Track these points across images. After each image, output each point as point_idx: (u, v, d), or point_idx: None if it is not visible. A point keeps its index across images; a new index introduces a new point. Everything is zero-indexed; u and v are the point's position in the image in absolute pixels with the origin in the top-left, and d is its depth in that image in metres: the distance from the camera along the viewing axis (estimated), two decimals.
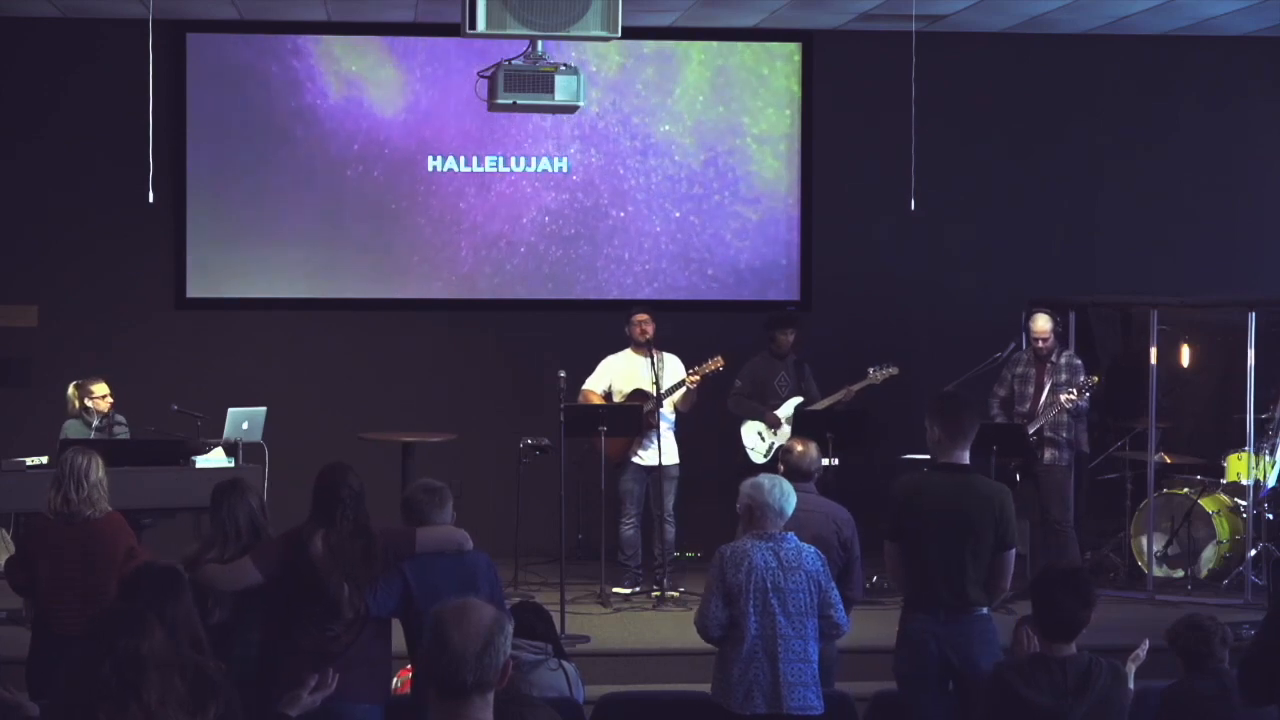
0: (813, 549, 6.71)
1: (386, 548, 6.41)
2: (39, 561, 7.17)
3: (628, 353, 10.88)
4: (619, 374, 10.85)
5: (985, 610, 6.61)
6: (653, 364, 10.68)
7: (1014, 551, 6.69)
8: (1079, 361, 10.92)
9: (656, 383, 10.65)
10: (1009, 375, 11.00)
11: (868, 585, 9.37)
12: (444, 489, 6.74)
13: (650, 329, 10.79)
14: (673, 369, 10.77)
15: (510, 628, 3.66)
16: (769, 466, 10.73)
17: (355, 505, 6.42)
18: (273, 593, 6.37)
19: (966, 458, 6.72)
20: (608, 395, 10.83)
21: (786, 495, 6.68)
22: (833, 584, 6.69)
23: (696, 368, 10.67)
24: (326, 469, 6.54)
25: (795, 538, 6.68)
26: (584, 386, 10.77)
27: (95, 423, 10.38)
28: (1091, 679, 5.51)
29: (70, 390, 10.44)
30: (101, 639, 4.49)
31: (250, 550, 6.53)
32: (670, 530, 10.76)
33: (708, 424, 11.18)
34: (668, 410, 10.73)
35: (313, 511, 6.47)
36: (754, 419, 11.08)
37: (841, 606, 6.72)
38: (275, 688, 5.76)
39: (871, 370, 10.97)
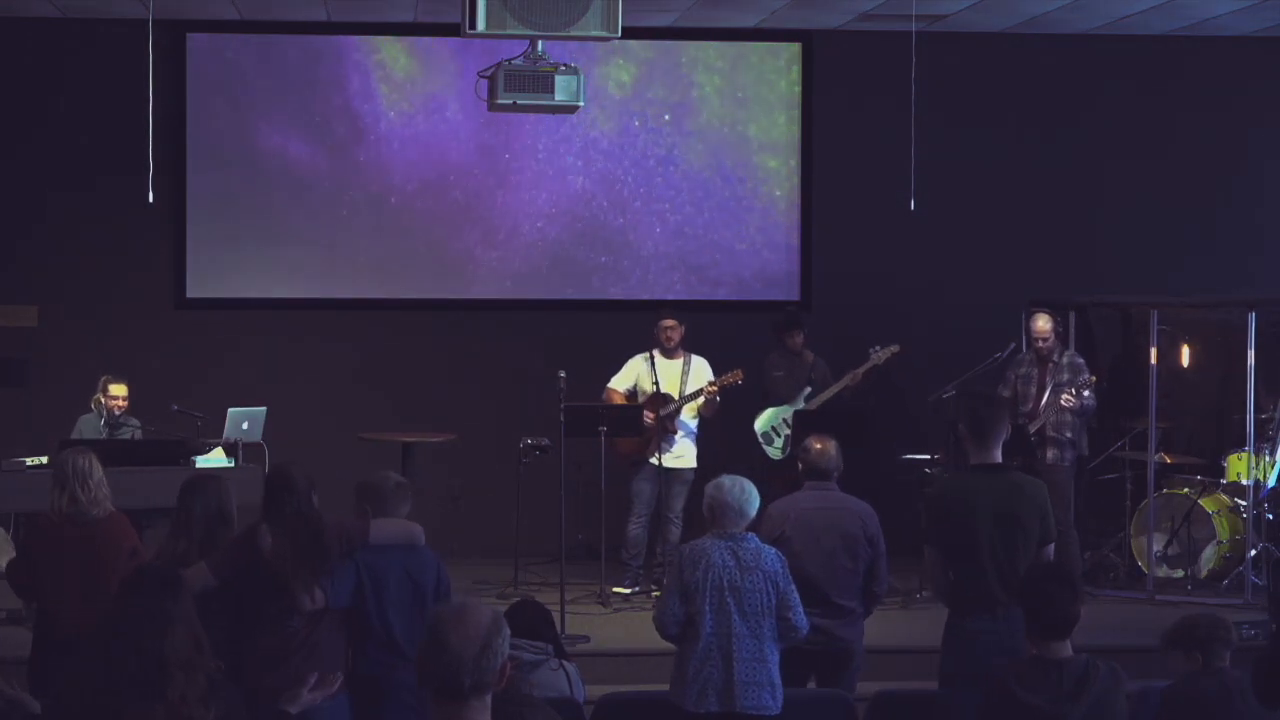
0: (773, 550, 6.71)
1: (340, 538, 6.45)
2: (43, 562, 7.17)
3: (655, 354, 10.91)
4: (645, 375, 10.88)
5: None
6: (653, 367, 10.74)
7: (1052, 545, 6.71)
8: (1081, 360, 10.91)
9: (656, 384, 10.70)
10: (1012, 376, 11.01)
11: None
12: (407, 485, 6.80)
13: (676, 335, 10.82)
14: (700, 373, 10.80)
15: (508, 630, 3.66)
16: (788, 461, 10.75)
17: (303, 500, 6.45)
18: (229, 594, 6.38)
19: (1000, 455, 6.72)
20: (631, 395, 10.87)
21: (748, 495, 6.69)
22: (792, 585, 6.67)
23: (716, 379, 10.71)
24: (276, 467, 6.62)
25: (756, 538, 6.68)
26: (609, 385, 10.84)
27: (103, 420, 10.39)
28: (1089, 681, 5.50)
29: (101, 381, 10.48)
30: (120, 639, 4.50)
31: (206, 551, 6.55)
32: (675, 531, 10.78)
33: (720, 426, 11.19)
34: (689, 416, 10.76)
35: (264, 510, 6.51)
36: (790, 402, 11.09)
37: (800, 609, 6.68)
38: (238, 686, 5.76)
39: (873, 351, 11.00)
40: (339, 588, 6.42)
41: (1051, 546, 6.70)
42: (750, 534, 6.68)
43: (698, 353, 10.92)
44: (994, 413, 6.79)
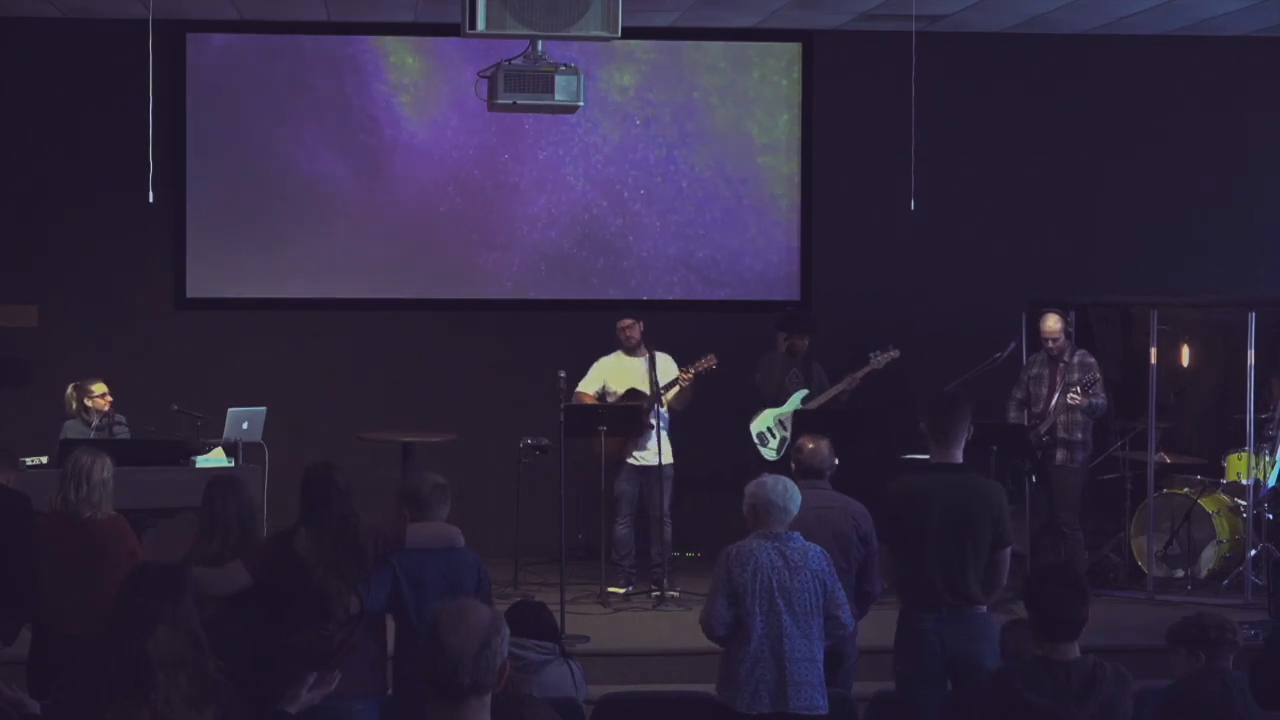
0: (818, 549, 6.71)
1: (377, 542, 6.44)
2: (41, 562, 7.16)
3: (618, 355, 10.91)
4: (612, 375, 10.89)
5: (984, 608, 6.64)
6: (651, 364, 10.72)
7: (1010, 550, 6.72)
8: (1092, 360, 10.90)
9: (655, 384, 10.67)
10: (1025, 377, 11.01)
11: None
12: (447, 486, 6.79)
13: (635, 333, 10.84)
14: (666, 368, 10.79)
15: (507, 630, 3.65)
16: (782, 463, 10.75)
17: (342, 503, 6.44)
18: (265, 594, 6.39)
19: (960, 456, 6.74)
20: (601, 396, 10.86)
21: (791, 494, 6.69)
22: (839, 584, 6.70)
23: (690, 366, 10.69)
24: (312, 468, 6.58)
25: (801, 537, 6.69)
26: (578, 389, 10.79)
27: (95, 423, 10.38)
28: (1096, 683, 5.49)
29: (69, 391, 10.43)
30: (108, 640, 4.51)
31: (240, 550, 6.55)
32: (668, 530, 10.77)
33: (705, 423, 11.19)
34: (663, 409, 10.76)
35: (301, 511, 6.50)
36: (777, 405, 11.08)
37: (848, 606, 6.73)
38: (271, 688, 5.77)
39: (872, 356, 11.00)
40: (375, 592, 6.43)
41: (1008, 550, 6.70)
42: (795, 533, 6.68)
43: (700, 354, 10.87)
44: (954, 413, 6.80)
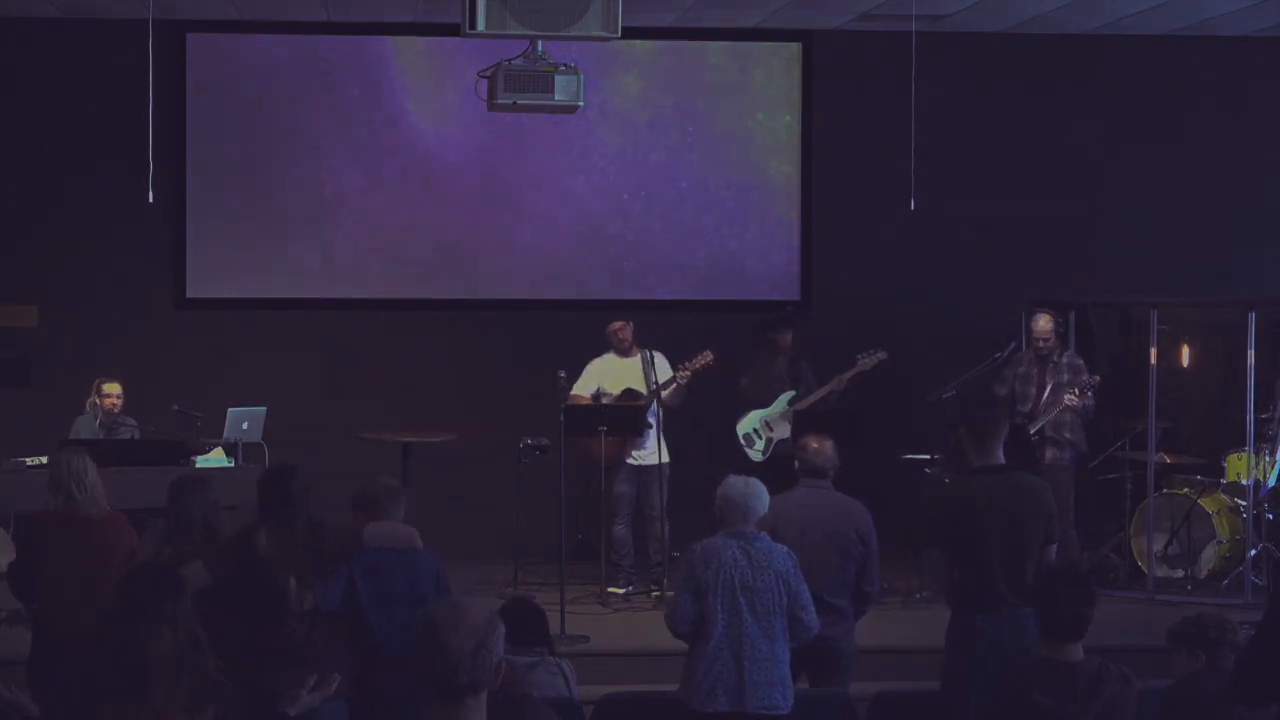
0: (785, 549, 6.71)
1: (335, 544, 6.47)
2: (41, 562, 7.18)
3: (610, 356, 10.92)
4: (606, 377, 10.90)
5: None
6: (652, 364, 10.72)
7: (1056, 545, 6.77)
8: (1081, 361, 10.95)
9: (657, 383, 10.67)
10: (1010, 375, 11.02)
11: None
12: (401, 488, 6.85)
13: (627, 334, 10.87)
14: (661, 366, 10.81)
15: (503, 628, 3.67)
16: (768, 463, 10.76)
17: (302, 503, 6.48)
18: (226, 593, 6.40)
19: (1002, 456, 6.79)
20: (596, 398, 10.87)
21: (756, 494, 6.71)
22: (803, 585, 6.68)
23: (687, 364, 10.70)
24: (272, 469, 6.67)
25: (768, 537, 6.70)
26: (572, 392, 10.74)
27: (99, 420, 10.42)
28: (1102, 684, 5.48)
29: (94, 384, 10.53)
30: (109, 641, 4.51)
31: (202, 550, 6.57)
32: (665, 529, 10.76)
33: (699, 423, 11.19)
34: (655, 407, 10.77)
35: (260, 510, 6.53)
36: (765, 406, 11.07)
37: (812, 608, 6.70)
38: (254, 686, 5.77)
39: (859, 357, 11.01)
40: (331, 592, 6.47)
41: (1055, 546, 6.75)
42: (762, 533, 6.69)
43: (700, 353, 10.88)
44: (993, 415, 6.89)
